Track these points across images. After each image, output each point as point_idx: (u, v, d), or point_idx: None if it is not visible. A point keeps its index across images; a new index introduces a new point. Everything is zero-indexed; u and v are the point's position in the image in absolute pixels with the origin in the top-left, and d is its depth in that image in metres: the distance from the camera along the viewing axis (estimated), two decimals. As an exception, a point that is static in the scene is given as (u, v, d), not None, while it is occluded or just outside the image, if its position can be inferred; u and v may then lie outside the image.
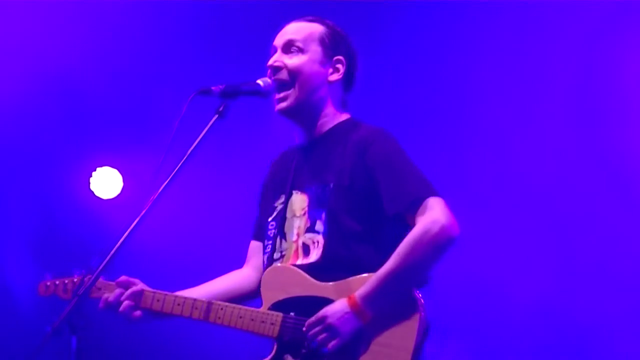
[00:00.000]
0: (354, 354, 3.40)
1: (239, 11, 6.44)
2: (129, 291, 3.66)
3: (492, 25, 6.12)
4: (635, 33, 5.87)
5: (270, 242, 3.71)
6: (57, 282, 3.84)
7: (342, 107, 3.76)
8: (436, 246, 3.40)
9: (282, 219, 3.68)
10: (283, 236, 3.67)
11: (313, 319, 3.41)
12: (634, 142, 5.86)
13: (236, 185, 6.52)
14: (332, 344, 3.38)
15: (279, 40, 3.71)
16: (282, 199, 3.72)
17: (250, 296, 3.79)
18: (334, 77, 3.70)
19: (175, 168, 3.38)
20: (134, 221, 3.26)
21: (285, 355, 3.47)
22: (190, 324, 4.03)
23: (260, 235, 3.84)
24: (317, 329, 3.40)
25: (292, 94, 3.64)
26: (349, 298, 3.39)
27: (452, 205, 3.41)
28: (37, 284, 3.91)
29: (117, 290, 3.67)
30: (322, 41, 3.69)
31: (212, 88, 3.53)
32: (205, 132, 3.45)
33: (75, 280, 3.79)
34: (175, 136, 3.42)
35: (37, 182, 6.60)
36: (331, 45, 3.70)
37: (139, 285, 3.69)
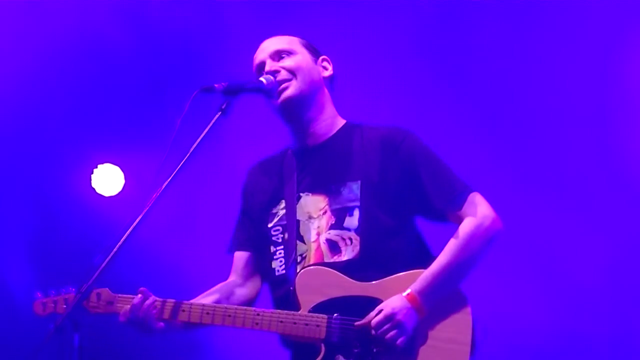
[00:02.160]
0: (414, 349, 3.50)
1: (242, 10, 6.43)
2: (150, 301, 3.57)
3: (490, 24, 6.11)
4: (635, 33, 5.87)
5: (282, 247, 3.73)
6: (56, 299, 3.63)
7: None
8: (488, 240, 3.59)
9: (293, 222, 3.70)
10: (300, 239, 3.69)
11: (381, 317, 3.47)
12: (633, 142, 5.86)
13: (238, 183, 6.50)
14: (401, 339, 3.47)
15: (263, 54, 3.81)
16: (283, 204, 3.75)
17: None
18: (326, 73, 3.85)
19: (177, 165, 3.39)
20: (135, 219, 3.27)
21: (337, 356, 3.52)
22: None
23: (250, 245, 3.86)
24: (386, 326, 3.46)
25: (294, 84, 3.74)
26: (408, 294, 3.50)
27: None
28: (31, 301, 3.66)
29: (137, 302, 3.56)
30: (305, 45, 3.86)
31: (215, 86, 3.56)
32: (208, 130, 3.46)
33: (72, 296, 3.57)
34: (177, 133, 3.43)
35: (38, 179, 6.59)
36: (313, 50, 3.88)
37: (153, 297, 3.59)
